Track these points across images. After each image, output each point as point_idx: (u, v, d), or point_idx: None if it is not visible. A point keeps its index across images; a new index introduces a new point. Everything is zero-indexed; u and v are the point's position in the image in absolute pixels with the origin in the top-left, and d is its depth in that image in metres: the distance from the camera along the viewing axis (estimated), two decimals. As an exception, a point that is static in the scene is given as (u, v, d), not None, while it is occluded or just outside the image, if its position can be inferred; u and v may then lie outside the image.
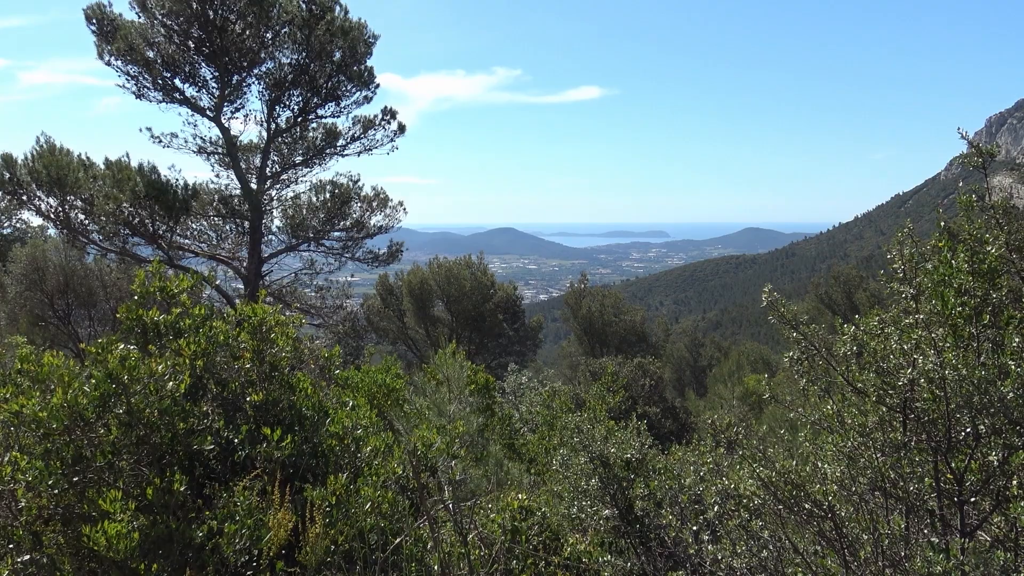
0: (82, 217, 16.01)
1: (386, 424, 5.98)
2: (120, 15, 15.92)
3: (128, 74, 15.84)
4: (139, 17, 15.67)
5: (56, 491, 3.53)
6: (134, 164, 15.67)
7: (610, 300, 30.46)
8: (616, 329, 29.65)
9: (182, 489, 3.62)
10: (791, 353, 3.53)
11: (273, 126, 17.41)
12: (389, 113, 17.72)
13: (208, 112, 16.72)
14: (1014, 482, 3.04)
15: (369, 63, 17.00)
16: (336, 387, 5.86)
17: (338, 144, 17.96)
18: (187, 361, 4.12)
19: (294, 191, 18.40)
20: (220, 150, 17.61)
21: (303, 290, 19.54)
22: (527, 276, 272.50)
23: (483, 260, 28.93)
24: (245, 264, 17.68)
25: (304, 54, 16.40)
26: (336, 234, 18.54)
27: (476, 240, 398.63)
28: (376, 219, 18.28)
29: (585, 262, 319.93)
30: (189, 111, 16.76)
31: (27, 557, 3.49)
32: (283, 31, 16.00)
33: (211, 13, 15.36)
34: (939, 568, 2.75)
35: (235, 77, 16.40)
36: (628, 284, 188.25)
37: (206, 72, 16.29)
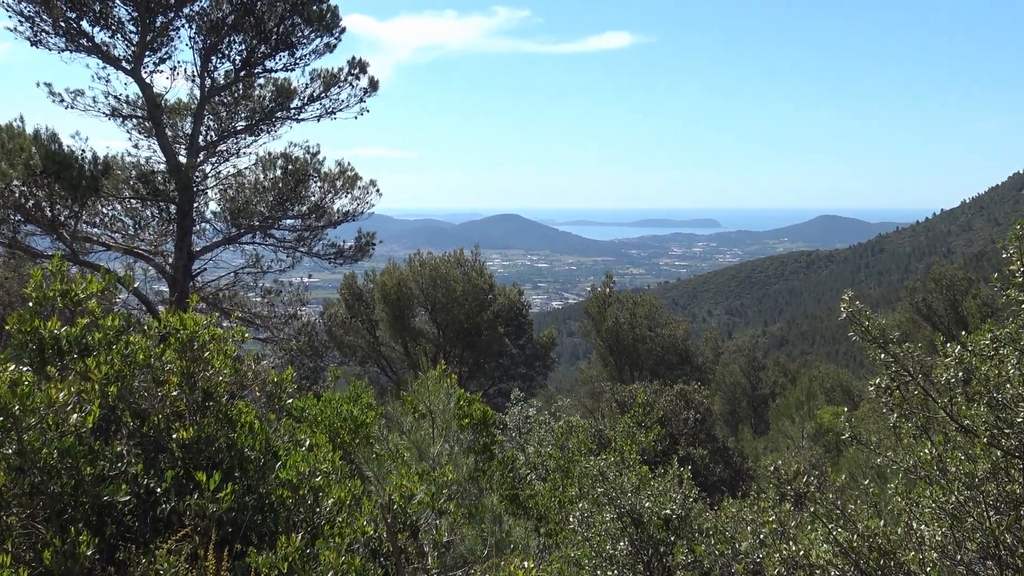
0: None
1: (353, 469, 6.02)
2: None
3: (21, 14, 15.75)
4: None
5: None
6: (28, 130, 15.57)
7: (643, 309, 30.53)
8: (651, 346, 29.68)
9: (89, 553, 3.60)
10: (878, 380, 3.53)
11: (208, 82, 17.36)
12: (358, 66, 17.71)
13: (124, 63, 16.61)
14: None
15: (332, 1, 17.05)
16: (289, 421, 5.89)
17: (292, 105, 17.92)
18: (96, 387, 4.11)
19: (235, 166, 18.39)
20: (140, 112, 17.54)
21: (246, 294, 19.53)
22: (536, 277, 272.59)
23: (479, 256, 29.06)
24: (171, 260, 17.57)
25: (249, -12, 16.42)
26: (289, 222, 18.57)
27: (470, 230, 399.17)
28: (341, 203, 18.27)
29: (611, 259, 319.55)
30: (100, 62, 16.66)
31: None
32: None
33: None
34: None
35: (159, 18, 16.31)
36: (667, 288, 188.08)
37: (122, 12, 16.19)
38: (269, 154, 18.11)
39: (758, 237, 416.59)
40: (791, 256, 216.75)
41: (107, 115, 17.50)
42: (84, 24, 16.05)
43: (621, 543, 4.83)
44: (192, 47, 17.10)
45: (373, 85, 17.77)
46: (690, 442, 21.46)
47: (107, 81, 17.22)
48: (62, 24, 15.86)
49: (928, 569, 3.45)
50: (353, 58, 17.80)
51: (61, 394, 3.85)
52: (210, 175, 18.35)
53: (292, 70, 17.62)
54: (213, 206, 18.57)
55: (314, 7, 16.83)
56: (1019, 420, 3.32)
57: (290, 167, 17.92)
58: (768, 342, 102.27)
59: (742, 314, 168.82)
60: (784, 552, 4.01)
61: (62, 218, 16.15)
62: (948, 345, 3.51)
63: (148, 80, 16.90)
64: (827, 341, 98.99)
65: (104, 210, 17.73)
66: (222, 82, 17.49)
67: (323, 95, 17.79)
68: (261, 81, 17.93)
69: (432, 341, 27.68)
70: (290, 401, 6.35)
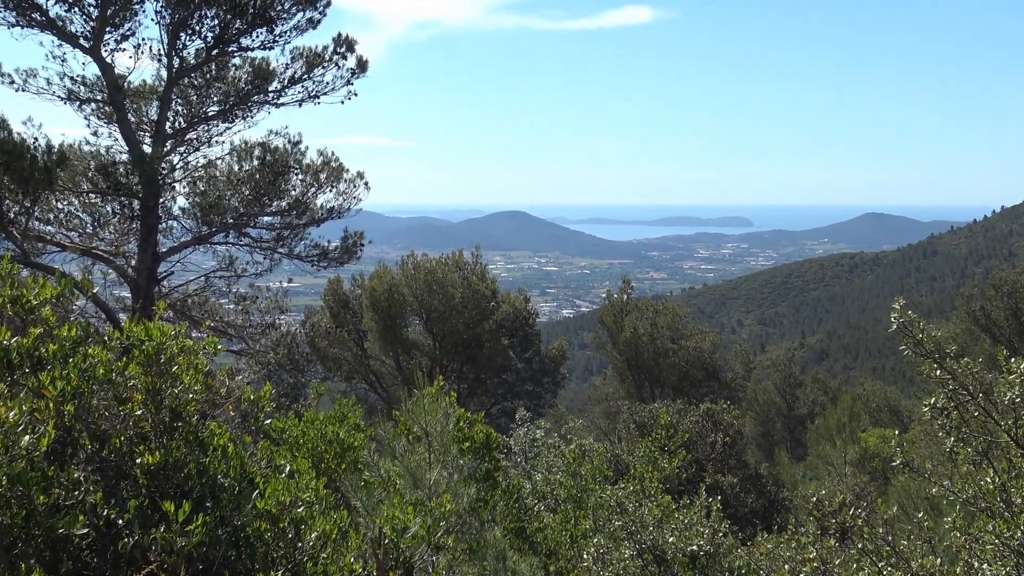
0: None
1: (339, 499, 6.05)
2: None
3: (-35, -16, 15.80)
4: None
5: None
6: (-27, 116, 15.61)
7: (665, 318, 30.54)
8: (674, 361, 29.75)
9: (42, 592, 3.58)
10: (932, 399, 3.52)
11: (177, 62, 17.31)
12: (344, 44, 17.73)
13: (82, 41, 16.50)
14: None
15: (316, -31, 17.12)
16: (267, 444, 5.89)
17: (271, 88, 17.95)
18: (51, 405, 4.09)
19: (207, 156, 18.41)
20: (99, 96, 17.52)
21: (218, 301, 19.57)
22: (544, 282, 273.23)
23: (480, 258, 29.13)
24: (134, 263, 17.49)
25: (222, -46, 16.44)
26: (267, 219, 18.64)
27: (471, 229, 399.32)
28: (325, 198, 18.31)
29: (629, 261, 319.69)
30: (55, 39, 16.53)
31: None
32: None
33: None
34: None
35: (122, -10, 16.36)
36: (692, 295, 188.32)
37: (80, -18, 16.22)
38: (245, 143, 18.14)
39: (795, 237, 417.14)
40: (832, 259, 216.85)
41: (63, 99, 17.46)
42: (38, -5, 16.02)
43: (642, 583, 4.84)
44: (158, 22, 16.98)
45: (362, 65, 17.79)
46: (718, 468, 21.49)
47: (63, 60, 17.13)
48: (13, -5, 15.84)
49: (990, 614, 3.44)
50: (339, 35, 17.79)
51: (11, 413, 3.84)
52: (178, 166, 18.32)
53: (271, 48, 17.52)
54: (181, 201, 18.59)
55: (296, -24, 16.87)
56: (1093, 445, 3.31)
57: (268, 157, 17.93)
58: (806, 356, 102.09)
59: (777, 324, 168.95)
60: (826, 594, 4.01)
61: (12, 215, 16.02)
62: (1012, 360, 3.50)
63: (109, 60, 16.83)
64: (872, 355, 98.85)
65: (59, 205, 17.69)
66: (192, 62, 17.46)
67: (305, 76, 17.83)
68: (236, 61, 17.96)
69: (428, 354, 27.67)
70: (268, 422, 5.96)
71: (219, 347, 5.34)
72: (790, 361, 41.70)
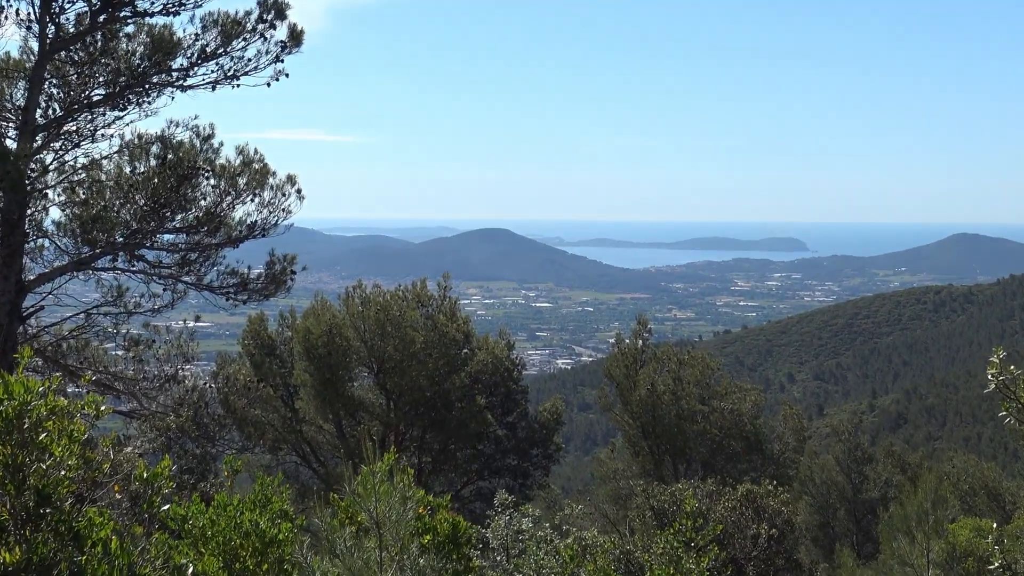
0: None
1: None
2: None
3: None
4: None
5: None
6: None
7: (693, 371, 30.38)
8: (704, 427, 29.49)
9: None
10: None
11: (52, 30, 17.26)
12: (272, 8, 17.75)
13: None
14: None
15: (235, -89, 17.25)
16: (164, 536, 5.77)
17: (175, 66, 17.94)
18: None
19: (89, 154, 18.31)
20: (-54, 75, 17.50)
21: (103, 346, 19.47)
22: (534, 321, 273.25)
23: (449, 290, 29.03)
24: (-7, 294, 17.94)
25: None
26: (168, 238, 18.60)
27: (438, 252, 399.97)
28: (245, 209, 18.27)
29: (645, 296, 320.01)
30: None
31: None
32: None
33: None
34: None
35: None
36: (728, 340, 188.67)
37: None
38: (140, 137, 18.01)
39: (862, 265, 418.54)
40: (911, 294, 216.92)
41: None
42: None
43: None
44: (28, -20, 17.02)
45: (295, 37, 17.82)
46: (762, 571, 21.48)
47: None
48: None
49: None
50: (266, -3, 17.90)
51: None
52: (52, 167, 18.19)
53: (175, 13, 17.47)
54: (56, 213, 18.44)
55: (208, -81, 17.02)
56: None
57: (170, 156, 17.84)
58: (877, 421, 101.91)
59: (839, 380, 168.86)
60: None
61: None
62: None
63: (-42, 27, 16.87)
64: (965, 421, 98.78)
65: None
66: (72, 30, 17.40)
67: (221, 51, 17.82)
68: (130, 29, 17.87)
69: (379, 417, 27.63)
70: (166, 507, 6.22)
71: (103, 408, 5.22)
72: (856, 429, 41.22)
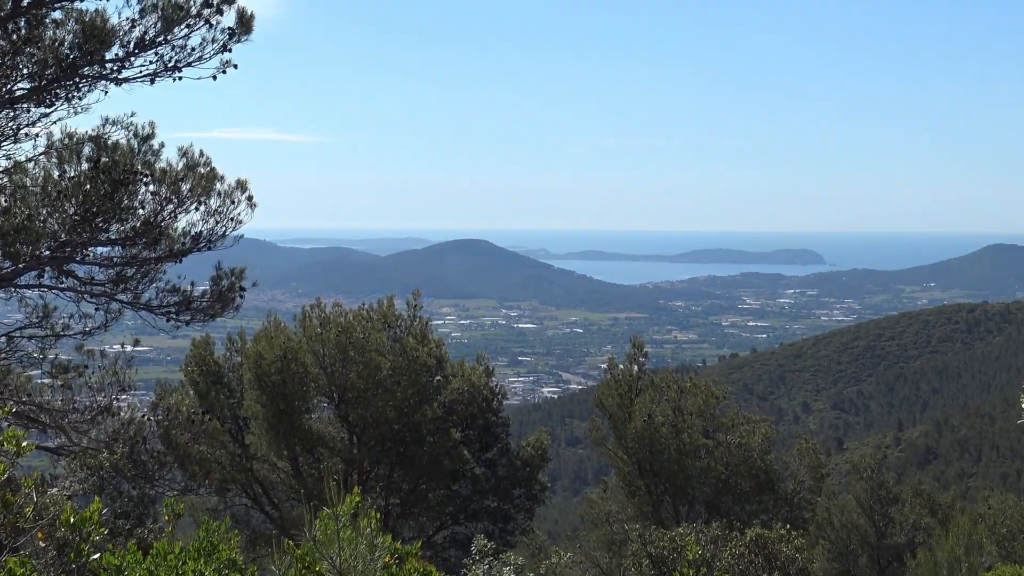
0: None
1: None
2: None
3: None
4: None
5: None
6: None
7: (696, 401, 30.14)
8: (708, 464, 29.27)
9: None
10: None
11: (-33, 14, 17.24)
12: (219, -11, 17.94)
13: None
14: None
15: None
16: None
17: (109, 56, 17.58)
18: None
19: (12, 156, 18.08)
20: None
21: (26, 372, 19.40)
22: (516, 345, 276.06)
23: (420, 309, 29.46)
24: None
25: None
26: (102, 250, 18.39)
27: (406, 266, 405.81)
28: (189, 219, 17.94)
29: (641, 316, 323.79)
30: None
31: None
32: None
33: None
34: None
35: None
36: (735, 365, 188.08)
37: None
38: (70, 137, 17.83)
39: (886, 280, 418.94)
40: (941, 312, 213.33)
41: None
42: None
43: None
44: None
45: (245, 23, 17.44)
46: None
47: None
48: None
49: None
50: (212, -22, 17.84)
51: None
52: (-33, 172, 18.04)
53: (109, -3, 17.28)
54: (-28, 224, 18.10)
55: None
56: None
57: (104, 159, 17.57)
58: (904, 457, 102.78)
59: (860, 409, 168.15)
60: None
61: None
62: None
63: None
64: (1003, 455, 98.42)
65: None
66: (-10, 13, 17.11)
67: (161, 39, 17.44)
68: (58, 15, 17.41)
69: (341, 453, 27.65)
70: (97, 556, 6.59)
71: (25, 443, 6.03)
72: (880, 465, 41.51)
